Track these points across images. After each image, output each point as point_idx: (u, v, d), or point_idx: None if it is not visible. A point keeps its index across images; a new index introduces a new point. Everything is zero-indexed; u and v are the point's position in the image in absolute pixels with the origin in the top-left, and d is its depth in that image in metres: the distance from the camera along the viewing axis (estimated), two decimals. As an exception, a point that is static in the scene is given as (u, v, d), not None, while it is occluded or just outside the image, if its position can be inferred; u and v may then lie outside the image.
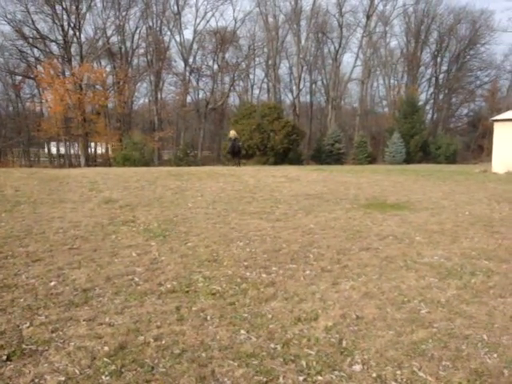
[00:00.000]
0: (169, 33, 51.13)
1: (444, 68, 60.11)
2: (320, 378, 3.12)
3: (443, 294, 4.70)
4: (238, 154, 25.65)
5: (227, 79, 55.69)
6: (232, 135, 25.42)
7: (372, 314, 4.14)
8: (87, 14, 44.86)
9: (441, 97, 60.37)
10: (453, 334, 3.80)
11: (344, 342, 3.62)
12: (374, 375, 3.17)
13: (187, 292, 4.65)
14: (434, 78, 60.10)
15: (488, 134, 40.49)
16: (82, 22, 43.86)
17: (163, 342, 3.53)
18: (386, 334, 3.77)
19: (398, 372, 3.21)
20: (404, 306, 4.39)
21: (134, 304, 4.27)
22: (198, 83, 54.59)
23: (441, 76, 60.18)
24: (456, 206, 10.31)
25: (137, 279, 4.97)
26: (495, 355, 3.45)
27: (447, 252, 6.32)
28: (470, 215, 9.16)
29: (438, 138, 49.88)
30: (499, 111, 34.79)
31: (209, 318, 4.02)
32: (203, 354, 3.37)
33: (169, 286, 4.80)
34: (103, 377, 3.03)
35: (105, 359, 3.24)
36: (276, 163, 34.41)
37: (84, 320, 3.86)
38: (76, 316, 3.94)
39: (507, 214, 9.47)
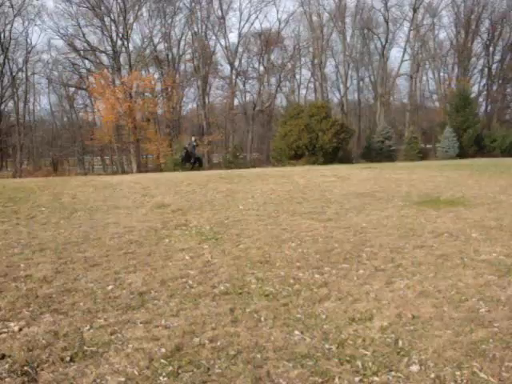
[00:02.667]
0: (214, 37, 51.68)
1: (497, 58, 57.95)
2: (376, 378, 3.08)
3: (503, 292, 4.54)
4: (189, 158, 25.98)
5: (273, 80, 55.76)
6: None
7: (428, 314, 4.05)
8: (134, 24, 46.04)
9: (494, 88, 58.25)
10: (515, 333, 3.66)
11: (400, 342, 3.56)
12: (433, 376, 3.10)
13: (240, 294, 4.68)
14: (486, 69, 58.05)
15: (547, 124, 38.79)
16: (129, 32, 45.01)
17: (218, 344, 3.57)
18: (443, 333, 3.68)
19: (458, 373, 3.13)
20: (462, 304, 4.27)
21: (189, 306, 4.34)
22: (244, 86, 54.99)
23: (494, 66, 58.04)
24: (514, 200, 9.94)
25: (191, 282, 5.05)
26: (562, 355, 3.31)
27: (506, 249, 6.10)
28: (530, 209, 8.81)
29: (492, 130, 48.18)
30: (558, 100, 33.29)
31: (262, 319, 4.04)
32: (258, 355, 3.39)
33: (222, 287, 4.85)
34: (161, 378, 3.10)
35: (162, 360, 3.31)
36: (325, 163, 34.13)
37: (141, 322, 3.96)
38: (133, 319, 4.04)
39: None
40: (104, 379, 3.11)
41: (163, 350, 3.46)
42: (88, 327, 3.88)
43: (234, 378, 3.10)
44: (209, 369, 3.21)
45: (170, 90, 46.43)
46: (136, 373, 3.16)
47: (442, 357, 3.33)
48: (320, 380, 3.07)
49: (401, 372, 3.16)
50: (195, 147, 26.54)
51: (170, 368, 3.21)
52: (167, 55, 49.91)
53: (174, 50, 50.15)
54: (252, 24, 54.08)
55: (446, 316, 4.01)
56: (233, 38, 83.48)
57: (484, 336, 3.61)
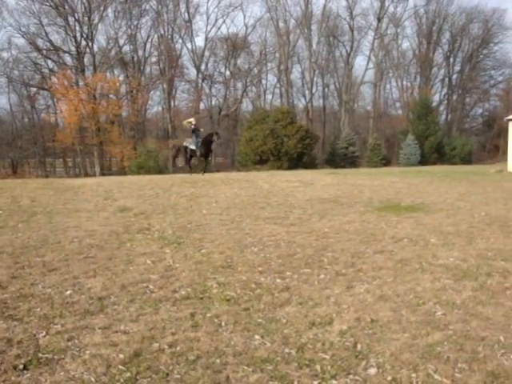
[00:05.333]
0: (180, 40, 51.58)
1: (457, 68, 59.77)
2: (335, 382, 3.11)
3: (459, 296, 4.66)
4: (207, 154, 19.52)
5: (240, 85, 55.95)
6: (188, 123, 19.91)
7: (387, 317, 4.12)
8: (99, 25, 45.45)
9: (454, 97, 59.94)
10: (469, 335, 3.76)
11: (359, 346, 3.60)
12: (389, 378, 3.15)
13: (202, 298, 4.66)
14: (447, 79, 59.72)
15: (503, 133, 40.09)
16: (94, 33, 44.43)
17: (178, 349, 3.54)
18: (401, 336, 3.75)
19: (414, 375, 3.19)
20: (419, 308, 4.36)
21: (149, 311, 4.29)
22: (210, 90, 54.95)
23: (454, 76, 59.80)
24: (472, 206, 10.22)
25: (151, 287, 5.00)
26: (512, 357, 3.42)
27: (463, 253, 6.26)
28: (486, 216, 9.07)
29: (452, 138, 49.52)
30: (514, 110, 34.45)
31: (223, 323, 4.03)
32: (218, 360, 3.38)
33: (183, 292, 4.82)
34: (118, 384, 3.06)
35: (120, 367, 3.26)
36: (290, 168, 34.39)
37: (99, 328, 3.89)
38: (91, 324, 3.97)
39: (524, 213, 9.36)
40: (59, 387, 3.04)
41: (121, 355, 3.41)
42: (44, 333, 3.79)
43: (193, 383, 3.08)
44: (168, 374, 3.18)
45: (135, 92, 46.03)
46: (93, 380, 3.11)
47: (398, 359, 3.39)
48: (279, 384, 3.08)
49: (359, 375, 3.20)
50: (198, 132, 19.36)
51: (128, 374, 3.17)
52: (133, 57, 49.49)
53: (140, 53, 49.81)
54: (219, 28, 54.12)
55: (403, 319, 4.09)
56: (199, 41, 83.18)
57: (439, 339, 3.69)
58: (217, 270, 5.58)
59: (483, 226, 8.04)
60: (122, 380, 3.10)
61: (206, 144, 18.86)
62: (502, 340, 3.68)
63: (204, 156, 19.25)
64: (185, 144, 19.64)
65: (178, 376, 3.16)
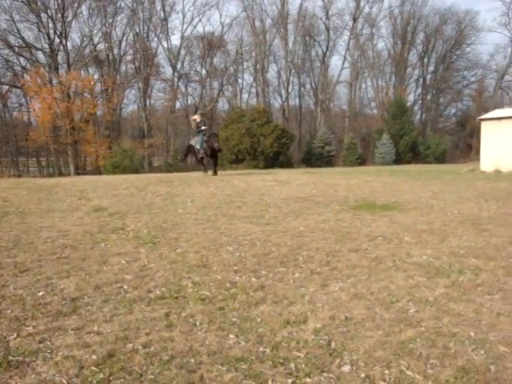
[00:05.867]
0: (156, 39, 51.25)
1: (431, 68, 60.70)
2: (309, 380, 3.13)
3: (431, 293, 4.73)
4: (216, 154, 17.95)
5: (216, 84, 55.90)
6: (193, 121, 18.44)
7: (361, 315, 4.16)
8: (73, 22, 44.86)
9: (429, 97, 60.83)
10: (440, 332, 3.82)
11: (333, 344, 3.63)
12: (363, 375, 3.18)
13: (176, 298, 4.64)
14: (421, 79, 60.59)
15: (476, 133, 40.82)
16: (68, 30, 43.79)
17: (152, 349, 3.52)
18: (374, 334, 3.79)
19: (387, 371, 3.22)
20: (393, 305, 4.41)
21: (123, 312, 4.25)
22: (186, 89, 54.76)
23: (428, 76, 60.70)
24: (445, 205, 10.38)
25: (126, 287, 4.95)
26: (482, 352, 3.48)
27: (436, 251, 6.36)
28: (459, 214, 9.22)
29: (427, 138, 50.29)
30: (486, 110, 35.13)
31: (198, 323, 4.02)
32: (192, 360, 3.37)
33: (158, 292, 4.79)
34: (91, 385, 3.02)
35: (93, 368, 3.22)
36: (266, 167, 34.47)
37: (72, 329, 3.84)
38: (64, 325, 3.92)
39: (495, 211, 9.55)
40: (30, 389, 3.00)
41: (94, 357, 3.37)
42: (14, 336, 3.72)
43: (167, 383, 3.07)
44: (141, 375, 3.16)
45: (110, 91, 45.59)
46: (64, 382, 3.06)
47: (372, 357, 3.42)
48: (253, 383, 3.09)
49: (333, 373, 3.22)
50: (202, 130, 17.55)
51: (101, 375, 3.13)
52: (108, 55, 48.95)
53: (115, 51, 49.35)
54: (195, 27, 53.94)
55: (377, 317, 4.13)
56: (175, 40, 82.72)
57: (412, 335, 3.74)
58: (192, 270, 5.55)
59: (456, 224, 8.17)
60: (94, 381, 3.07)
61: (209, 144, 17.11)
62: (473, 335, 3.74)
63: (209, 156, 17.42)
64: (191, 143, 18.29)
65: (152, 376, 3.14)
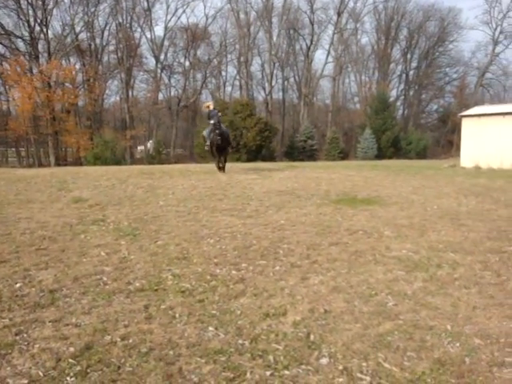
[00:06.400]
0: (139, 29, 50.80)
1: (414, 65, 61.18)
2: (287, 372, 3.14)
3: (410, 287, 4.78)
4: (224, 148, 15.38)
5: (199, 76, 55.65)
6: (206, 108, 16.13)
7: (340, 308, 4.18)
8: (54, 10, 44.19)
9: (411, 93, 61.31)
10: (418, 325, 3.86)
11: (312, 336, 3.65)
12: (341, 368, 3.20)
13: (156, 290, 4.62)
14: (404, 75, 61.03)
15: (457, 129, 41.23)
16: (48, 18, 43.16)
17: (130, 341, 3.50)
18: (353, 327, 3.82)
19: (364, 364, 3.25)
20: (371, 299, 4.44)
21: (102, 304, 4.22)
22: (169, 80, 54.42)
23: (411, 72, 61.19)
24: (425, 200, 10.48)
25: (105, 278, 4.91)
26: (458, 344, 3.53)
27: (415, 245, 6.42)
28: (438, 209, 9.32)
29: (408, 133, 50.69)
30: (467, 107, 35.51)
31: (177, 315, 4.01)
32: (171, 352, 3.36)
33: (137, 284, 4.76)
34: (68, 378, 2.99)
35: (70, 360, 3.19)
36: (249, 160, 34.45)
37: (50, 321, 3.80)
38: (41, 318, 3.87)
39: (473, 207, 9.67)
40: (5, 382, 2.95)
41: (72, 349, 3.34)
42: (-10, 327, 3.67)
43: (145, 375, 3.05)
44: (119, 367, 3.14)
45: (91, 81, 45.07)
46: (41, 374, 3.03)
47: (350, 349, 3.45)
48: (232, 375, 3.09)
49: (311, 365, 3.24)
50: (220, 120, 15.31)
51: (79, 368, 3.11)
52: (90, 45, 48.36)
53: (97, 41, 48.80)
54: (179, 18, 53.52)
55: (356, 310, 4.16)
56: (159, 31, 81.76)
57: (390, 328, 3.78)
58: (172, 262, 5.53)
59: (435, 219, 8.26)
60: (71, 374, 3.04)
61: (216, 136, 14.68)
62: (449, 328, 3.79)
63: (217, 148, 14.97)
64: (204, 133, 16.03)
65: (130, 369, 3.13)
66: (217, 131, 14.51)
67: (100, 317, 3.92)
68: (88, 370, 3.08)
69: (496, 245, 6.47)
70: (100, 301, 4.29)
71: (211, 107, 15.58)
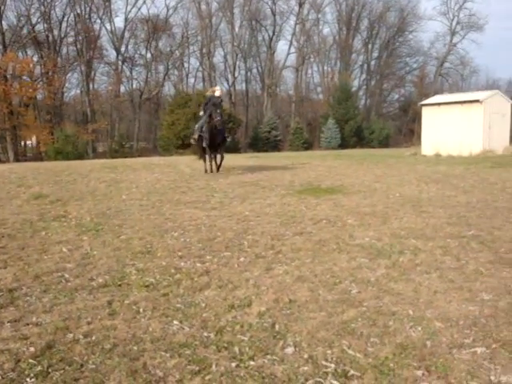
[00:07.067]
0: (99, 21, 49.68)
1: (375, 55, 61.86)
2: (252, 362, 3.14)
3: (373, 274, 4.85)
4: (221, 143, 12.92)
5: (161, 68, 54.90)
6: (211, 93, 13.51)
7: (304, 297, 4.21)
8: (8, 0, 42.75)
9: (373, 83, 62.01)
10: (381, 311, 3.92)
11: (277, 326, 3.66)
12: (306, 356, 3.22)
13: (120, 285, 4.56)
14: (365, 65, 61.64)
15: (418, 118, 41.92)
16: (2, 8, 41.75)
17: (93, 338, 3.44)
18: (317, 315, 3.85)
19: (329, 351, 3.28)
20: (335, 287, 4.49)
21: (64, 301, 4.14)
22: (131, 73, 53.55)
23: (372, 62, 61.85)
24: (387, 188, 10.64)
25: (67, 275, 4.82)
26: (419, 328, 3.60)
27: (378, 233, 6.51)
28: (400, 196, 9.48)
29: (371, 122, 51.32)
30: (427, 96, 36.17)
31: (141, 310, 3.97)
32: (135, 348, 3.32)
33: (100, 280, 4.69)
34: (28, 379, 2.91)
35: (30, 361, 3.11)
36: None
37: (9, 322, 3.70)
38: (0, 318, 3.77)
39: (434, 193, 9.88)
40: (-39, 386, 2.87)
41: (32, 349, 3.26)
42: None
43: (109, 372, 3.01)
44: (82, 365, 3.08)
45: (50, 74, 43.93)
46: (-1, 376, 2.95)
47: (315, 337, 3.47)
48: (197, 368, 3.07)
49: (276, 355, 3.25)
50: (220, 107, 12.68)
51: (39, 368, 3.03)
52: (47, 37, 47.07)
53: (55, 32, 47.40)
54: (139, 9, 52.31)
55: (320, 299, 4.19)
56: (119, 22, 80.00)
57: (354, 315, 3.82)
58: (136, 256, 5.47)
59: (397, 207, 8.39)
60: (31, 374, 2.97)
61: (210, 127, 12.44)
62: (411, 313, 3.86)
63: (209, 144, 12.57)
64: (197, 125, 13.40)
65: (93, 366, 3.07)
66: (217, 122, 12.15)
67: (62, 315, 3.84)
68: (49, 370, 3.01)
69: (456, 230, 6.63)
70: (62, 298, 4.21)
71: (217, 93, 13.22)
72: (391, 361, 3.15)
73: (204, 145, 12.74)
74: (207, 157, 13.08)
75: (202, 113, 13.07)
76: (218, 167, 13.02)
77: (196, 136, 12.68)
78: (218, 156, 13.00)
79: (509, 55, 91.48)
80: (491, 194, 9.66)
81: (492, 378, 2.96)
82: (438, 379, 2.95)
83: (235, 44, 53.57)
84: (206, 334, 3.54)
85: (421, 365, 3.10)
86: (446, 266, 5.12)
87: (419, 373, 3.01)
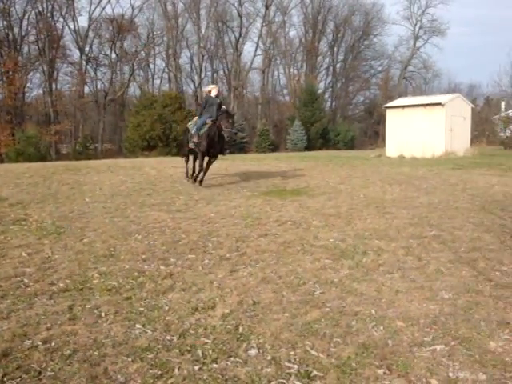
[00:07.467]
0: (61, 19, 48.64)
1: (341, 57, 62.60)
2: (215, 365, 3.13)
3: (336, 274, 4.89)
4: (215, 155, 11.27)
5: (126, 69, 54.20)
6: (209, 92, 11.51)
7: (268, 299, 4.22)
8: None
9: (339, 85, 62.72)
10: (344, 311, 3.96)
11: (240, 328, 3.65)
12: (269, 358, 3.23)
13: (81, 290, 4.47)
14: (331, 67, 62.30)
15: (382, 120, 42.58)
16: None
17: (53, 344, 3.36)
18: (281, 316, 3.86)
19: (292, 352, 3.29)
20: (299, 288, 4.51)
21: (22, 307, 4.03)
22: (95, 73, 52.69)
23: (338, 65, 62.53)
24: (352, 189, 10.76)
25: (26, 280, 4.70)
26: (381, 328, 3.65)
27: (342, 234, 6.57)
28: (365, 198, 9.60)
29: (337, 125, 51.87)
30: (392, 99, 36.73)
31: (103, 314, 3.90)
32: (96, 353, 3.26)
33: (61, 284, 4.59)
34: (-18, 388, 2.84)
35: (-15, 369, 3.03)
36: (179, 154, 34.03)
37: (-36, 328, 3.59)
38: (-45, 324, 3.65)
39: (398, 195, 10.04)
40: None
41: (-13, 358, 3.17)
42: None
43: (68, 379, 2.94)
44: (40, 372, 3.01)
45: (11, 73, 42.83)
46: (-48, 386, 2.86)
47: (278, 339, 3.48)
48: (159, 372, 3.04)
49: (239, 357, 3.24)
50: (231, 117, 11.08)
51: (-5, 376, 2.95)
52: (7, 34, 45.81)
53: (16, 30, 46.18)
54: (103, 8, 51.42)
55: (284, 300, 4.21)
56: (83, 21, 78.54)
57: (317, 316, 3.85)
58: (98, 260, 5.38)
59: (361, 208, 8.49)
60: (-14, 383, 2.88)
61: (211, 133, 10.73)
62: (374, 313, 3.92)
63: (204, 151, 10.88)
64: (189, 124, 11.94)
65: (52, 373, 3.00)
66: (227, 133, 10.52)
67: (20, 321, 3.74)
68: (5, 379, 2.93)
69: (418, 230, 6.75)
70: (20, 304, 4.10)
71: (213, 93, 11.42)
72: (353, 360, 3.19)
73: (198, 149, 10.99)
74: (190, 161, 11.81)
75: (196, 118, 11.57)
76: (199, 179, 11.10)
77: (196, 140, 10.88)
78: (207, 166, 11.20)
79: (469, 60, 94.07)
80: (452, 195, 9.88)
81: (450, 374, 3.03)
82: (399, 377, 3.00)
83: (201, 45, 53.41)
84: (168, 337, 3.51)
85: (382, 363, 3.15)
86: (408, 266, 5.21)
87: (380, 371, 3.06)
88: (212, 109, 11.00)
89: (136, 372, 3.04)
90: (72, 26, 49.63)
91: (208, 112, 11.04)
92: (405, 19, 62.85)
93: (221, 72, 58.11)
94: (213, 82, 54.43)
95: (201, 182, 11.02)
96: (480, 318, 3.83)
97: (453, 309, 4.00)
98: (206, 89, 12.78)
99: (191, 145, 11.20)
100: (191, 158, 11.85)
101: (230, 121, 10.64)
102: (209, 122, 10.82)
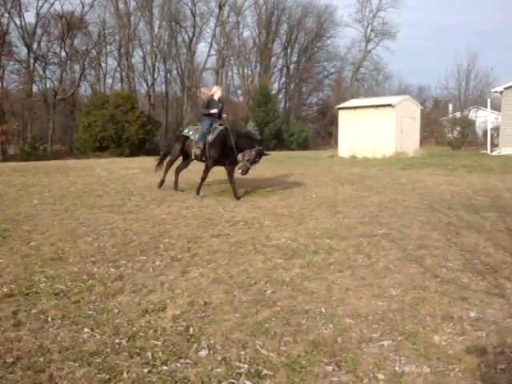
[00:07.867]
0: (7, 14, 46.87)
1: (294, 59, 63.22)
2: (165, 367, 3.10)
3: (288, 274, 4.93)
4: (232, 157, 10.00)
5: (77, 68, 52.93)
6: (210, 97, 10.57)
7: (220, 299, 4.21)
8: None
9: (292, 86, 63.29)
10: (295, 310, 4.00)
11: (191, 329, 3.63)
12: (219, 358, 3.22)
13: (27, 294, 4.34)
14: (285, 68, 62.80)
15: (335, 121, 43.24)
16: None
17: (-5, 352, 3.25)
18: (232, 316, 3.86)
19: (242, 352, 3.30)
20: (251, 288, 4.52)
21: (-37, 313, 3.88)
22: (44, 72, 51.14)
23: (291, 66, 63.14)
24: (304, 189, 10.89)
25: (-32, 286, 4.53)
26: (331, 325, 3.70)
27: (294, 233, 6.64)
28: (317, 197, 9.73)
29: (290, 125, 52.33)
30: (344, 100, 37.31)
31: (50, 319, 3.80)
32: (41, 359, 3.17)
33: (6, 290, 4.44)
34: None
35: None
36: (132, 155, 33.59)
37: None
38: None
39: (349, 194, 10.22)
40: None
41: None
42: None
43: (11, 386, 2.86)
44: (-20, 381, 2.91)
45: (-47, 71, 41.12)
46: None
47: (229, 339, 3.48)
48: (107, 376, 2.98)
49: (190, 358, 3.22)
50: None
51: None
52: None
53: (-43, 26, 44.35)
54: (52, 4, 49.81)
55: (235, 300, 4.21)
56: (30, 17, 76.11)
57: (268, 315, 3.87)
58: (46, 263, 5.24)
59: (313, 207, 8.60)
60: None
61: (225, 144, 9.83)
62: (324, 311, 3.97)
63: (216, 158, 10.10)
64: (185, 131, 10.90)
65: (-7, 381, 2.91)
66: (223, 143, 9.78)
67: (-40, 328, 3.60)
68: None
69: (368, 229, 6.89)
70: (-39, 311, 3.94)
71: (216, 96, 10.58)
72: (303, 358, 3.22)
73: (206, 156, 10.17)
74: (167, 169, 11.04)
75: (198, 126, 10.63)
76: (197, 188, 10.16)
77: (201, 146, 10.01)
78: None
79: (418, 62, 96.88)
80: (402, 194, 10.14)
81: (397, 368, 3.10)
82: (347, 373, 3.05)
83: (154, 45, 52.80)
84: (117, 340, 3.45)
85: (331, 360, 3.19)
86: (357, 264, 5.31)
87: (329, 368, 3.10)
88: (247, 136, 10.30)
89: (83, 377, 2.97)
90: (18, 22, 48.04)
91: (210, 117, 10.21)
92: (357, 22, 64.05)
93: (174, 72, 57.58)
94: (166, 83, 53.96)
95: (198, 191, 10.10)
96: (426, 313, 3.95)
97: (400, 305, 4.10)
98: (207, 91, 11.31)
99: (196, 151, 10.13)
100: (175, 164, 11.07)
101: (258, 160, 9.70)
102: (217, 125, 10.07)
